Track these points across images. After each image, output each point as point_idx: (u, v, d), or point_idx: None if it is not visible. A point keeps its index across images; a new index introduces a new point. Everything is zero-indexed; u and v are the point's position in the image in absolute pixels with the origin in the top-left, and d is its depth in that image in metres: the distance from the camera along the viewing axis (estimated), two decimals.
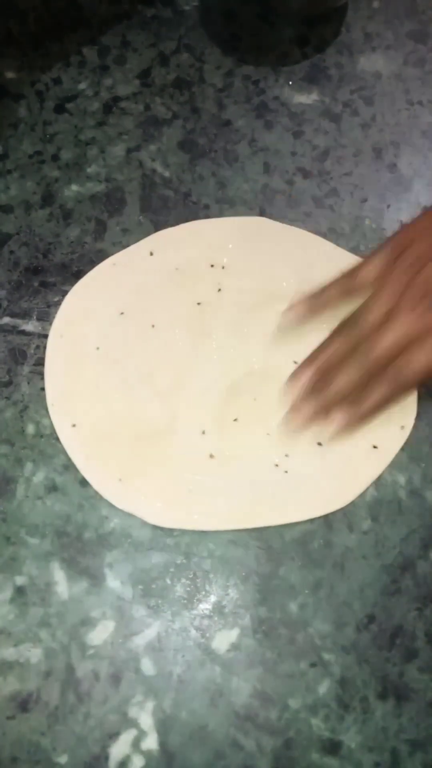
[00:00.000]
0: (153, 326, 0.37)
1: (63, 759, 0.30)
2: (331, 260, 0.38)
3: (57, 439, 0.35)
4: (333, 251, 0.38)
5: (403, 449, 0.35)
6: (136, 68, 0.43)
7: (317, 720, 0.31)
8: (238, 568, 0.33)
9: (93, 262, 0.38)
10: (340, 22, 0.45)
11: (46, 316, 0.37)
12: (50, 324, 0.37)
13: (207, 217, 0.39)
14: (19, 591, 0.32)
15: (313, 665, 0.32)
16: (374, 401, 0.32)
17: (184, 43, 0.44)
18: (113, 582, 0.33)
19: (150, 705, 0.31)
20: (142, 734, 0.31)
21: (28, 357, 0.36)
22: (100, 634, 0.32)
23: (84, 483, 0.34)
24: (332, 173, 0.41)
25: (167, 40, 0.44)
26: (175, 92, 0.43)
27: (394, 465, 0.35)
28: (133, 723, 0.31)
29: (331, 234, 0.39)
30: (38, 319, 0.37)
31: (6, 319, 0.37)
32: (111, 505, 0.34)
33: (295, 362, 0.36)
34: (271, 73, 0.43)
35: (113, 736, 0.31)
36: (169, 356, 0.36)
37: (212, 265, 0.38)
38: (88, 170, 0.41)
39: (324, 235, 0.39)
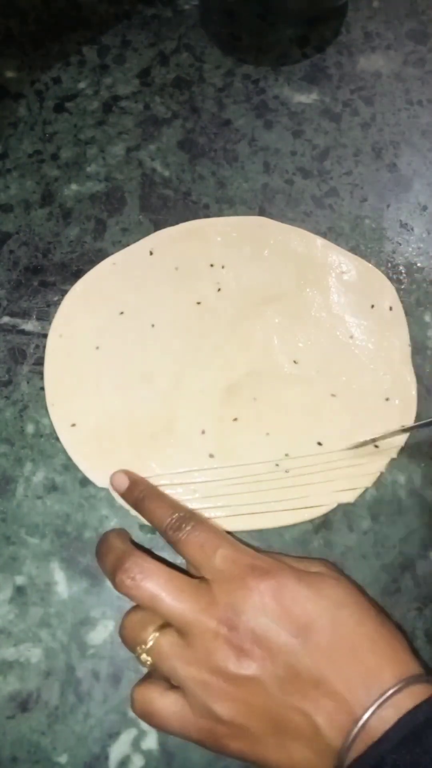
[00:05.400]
0: (153, 326, 0.37)
1: (63, 759, 0.30)
2: (330, 260, 0.38)
3: (57, 438, 0.35)
4: (333, 251, 0.38)
5: (403, 449, 0.35)
6: (136, 68, 0.43)
7: None
8: None
9: (93, 262, 0.38)
10: (340, 22, 0.45)
11: (45, 316, 0.37)
12: (50, 323, 0.37)
13: (207, 216, 0.39)
14: (19, 591, 0.32)
15: None
16: None
17: (183, 42, 0.44)
18: None
19: None
20: (141, 734, 0.31)
21: (27, 356, 0.36)
22: (100, 634, 0.32)
23: (84, 483, 0.34)
24: (332, 173, 0.41)
25: (167, 39, 0.44)
26: (174, 92, 0.43)
27: (394, 465, 0.35)
28: (133, 722, 0.31)
29: (331, 233, 0.39)
30: (38, 319, 0.37)
31: (5, 319, 0.37)
32: (111, 505, 0.34)
33: (295, 362, 0.36)
34: (271, 72, 0.43)
35: (113, 735, 0.31)
36: (169, 356, 0.36)
37: (212, 265, 0.38)
38: (88, 169, 0.41)
39: (324, 235, 0.39)
